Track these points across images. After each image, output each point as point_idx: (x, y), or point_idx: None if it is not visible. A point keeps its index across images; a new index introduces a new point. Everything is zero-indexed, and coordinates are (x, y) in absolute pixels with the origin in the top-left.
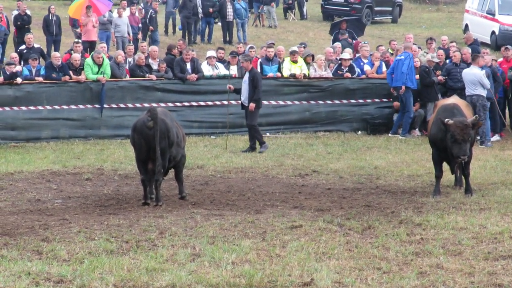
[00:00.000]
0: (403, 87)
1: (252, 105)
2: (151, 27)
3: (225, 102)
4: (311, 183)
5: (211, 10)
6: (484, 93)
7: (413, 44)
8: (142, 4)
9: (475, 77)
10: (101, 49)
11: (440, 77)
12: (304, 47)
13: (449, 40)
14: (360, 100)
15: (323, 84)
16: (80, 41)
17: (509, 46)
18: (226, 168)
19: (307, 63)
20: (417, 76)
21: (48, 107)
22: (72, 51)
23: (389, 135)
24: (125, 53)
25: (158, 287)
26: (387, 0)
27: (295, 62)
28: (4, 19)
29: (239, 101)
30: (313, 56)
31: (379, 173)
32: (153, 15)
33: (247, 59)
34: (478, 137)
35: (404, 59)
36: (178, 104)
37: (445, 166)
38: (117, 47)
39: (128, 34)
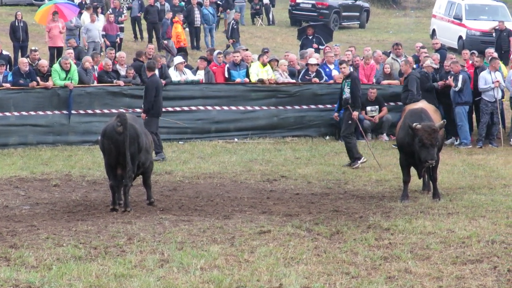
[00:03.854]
0: None
1: (143, 115)
2: (231, 40)
3: (193, 108)
4: (279, 188)
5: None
6: None
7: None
8: (110, 10)
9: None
10: (68, 55)
11: (440, 82)
12: (266, 52)
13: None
14: (328, 105)
15: (291, 89)
16: (37, 49)
17: (475, 52)
18: (195, 173)
19: (272, 68)
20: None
21: (15, 113)
22: (28, 58)
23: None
24: (93, 59)
25: None
26: (355, 5)
27: (264, 64)
28: None
29: (207, 107)
30: (277, 61)
31: (347, 178)
32: (235, 26)
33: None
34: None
35: None
36: None
37: (413, 170)
38: (88, 52)
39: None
